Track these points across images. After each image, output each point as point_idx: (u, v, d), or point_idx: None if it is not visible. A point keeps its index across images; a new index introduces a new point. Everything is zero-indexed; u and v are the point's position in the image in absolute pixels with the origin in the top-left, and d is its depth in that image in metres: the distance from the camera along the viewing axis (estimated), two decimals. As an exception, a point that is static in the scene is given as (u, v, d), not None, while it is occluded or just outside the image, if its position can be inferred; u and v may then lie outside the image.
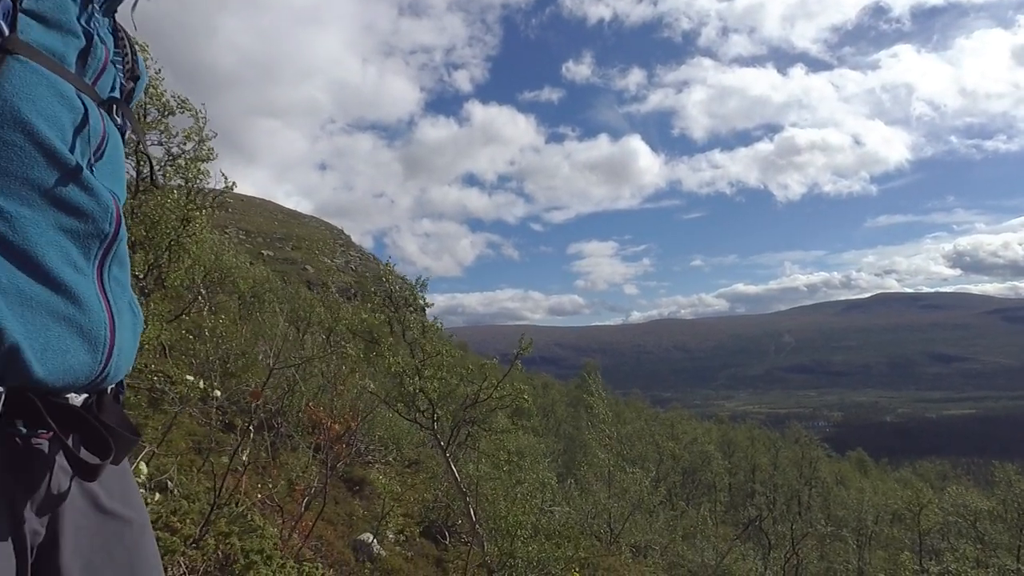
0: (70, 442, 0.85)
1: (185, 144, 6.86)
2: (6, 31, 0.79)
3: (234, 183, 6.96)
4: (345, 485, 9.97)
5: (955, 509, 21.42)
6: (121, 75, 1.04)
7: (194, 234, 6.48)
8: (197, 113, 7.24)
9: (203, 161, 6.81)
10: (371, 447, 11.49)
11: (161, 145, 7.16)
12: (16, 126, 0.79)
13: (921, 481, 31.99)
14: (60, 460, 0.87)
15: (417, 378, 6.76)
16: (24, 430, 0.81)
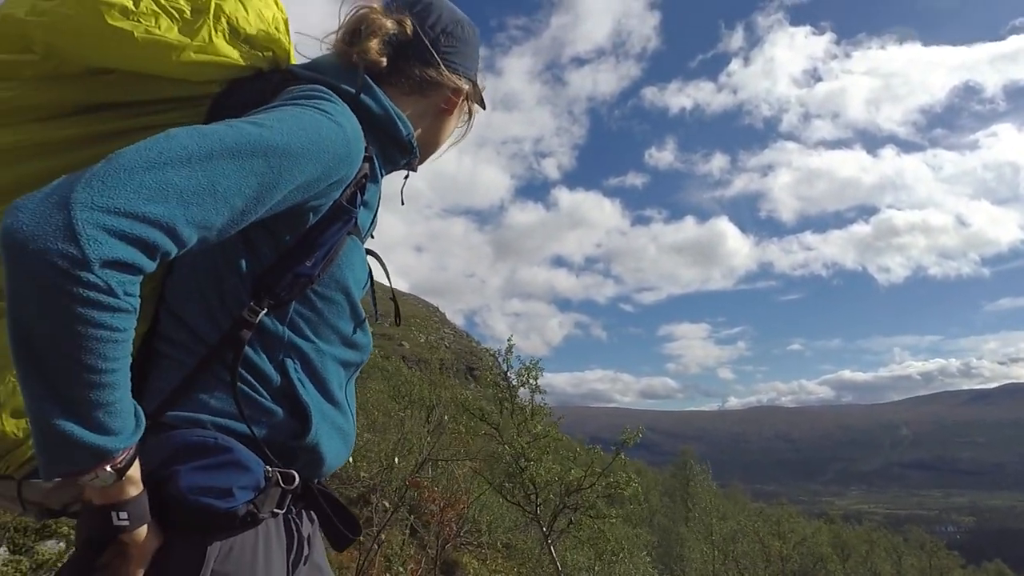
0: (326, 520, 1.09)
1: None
2: (357, 220, 1.06)
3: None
4: (438, 568, 9.83)
5: None
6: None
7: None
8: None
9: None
10: (464, 528, 11.30)
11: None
12: (342, 290, 1.06)
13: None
14: (306, 532, 1.09)
15: (524, 460, 6.68)
16: (292, 508, 1.04)
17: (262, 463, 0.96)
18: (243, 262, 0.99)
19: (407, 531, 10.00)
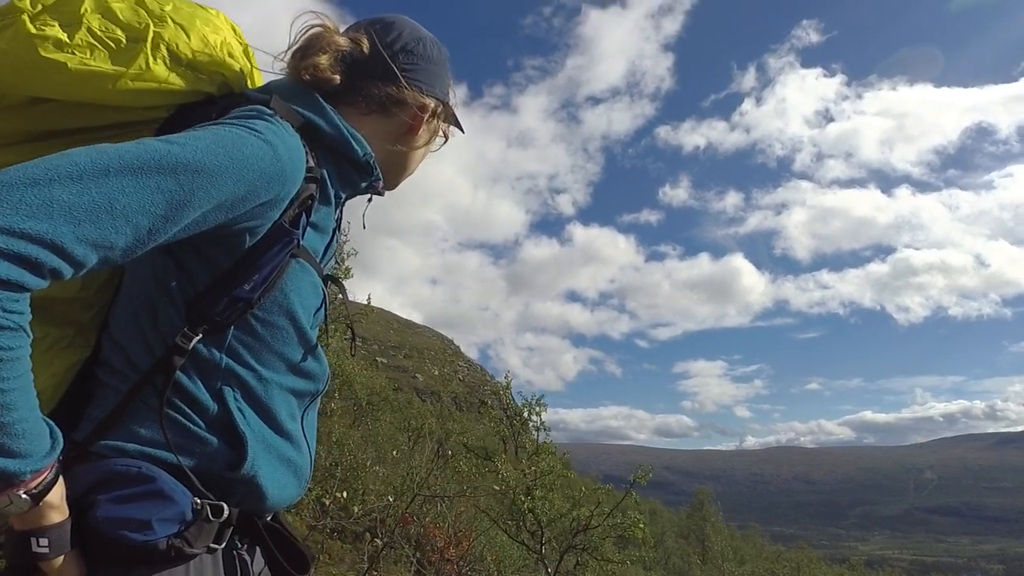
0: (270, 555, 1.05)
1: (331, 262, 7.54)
2: (301, 242, 1.01)
3: (369, 299, 7.39)
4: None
5: None
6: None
7: (324, 345, 6.89)
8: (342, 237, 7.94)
9: (341, 279, 7.40)
10: (468, 567, 11.01)
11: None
12: (286, 314, 1.01)
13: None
14: (257, 568, 1.05)
15: (528, 497, 6.52)
16: (238, 544, 1.00)
17: (190, 495, 0.92)
18: (175, 286, 0.97)
19: (412, 570, 9.78)
